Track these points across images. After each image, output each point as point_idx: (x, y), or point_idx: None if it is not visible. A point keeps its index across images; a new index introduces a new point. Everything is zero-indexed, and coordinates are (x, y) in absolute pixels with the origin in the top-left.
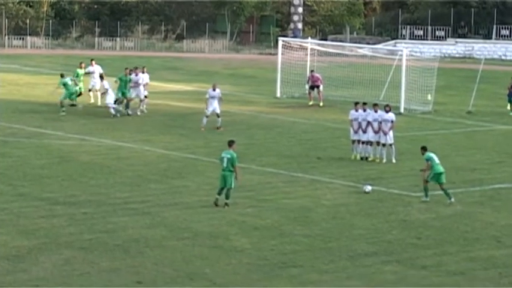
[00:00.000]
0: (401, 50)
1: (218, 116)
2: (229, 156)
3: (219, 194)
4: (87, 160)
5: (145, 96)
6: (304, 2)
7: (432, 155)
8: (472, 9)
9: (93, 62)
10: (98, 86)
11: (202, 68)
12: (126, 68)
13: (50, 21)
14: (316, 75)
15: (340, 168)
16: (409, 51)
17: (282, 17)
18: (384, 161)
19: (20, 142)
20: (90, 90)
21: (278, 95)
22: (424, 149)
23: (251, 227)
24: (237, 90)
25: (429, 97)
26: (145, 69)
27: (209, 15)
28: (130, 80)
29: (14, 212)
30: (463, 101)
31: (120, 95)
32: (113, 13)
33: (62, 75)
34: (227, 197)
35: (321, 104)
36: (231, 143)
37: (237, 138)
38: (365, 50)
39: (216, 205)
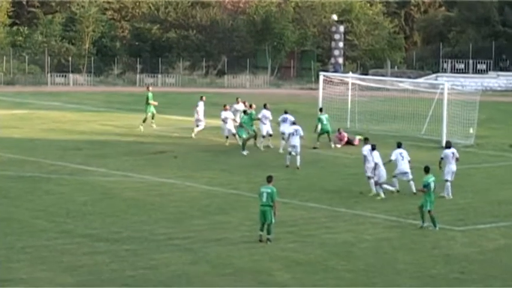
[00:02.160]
0: (443, 84)
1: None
2: (269, 190)
3: (262, 229)
4: (130, 196)
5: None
6: (344, 37)
7: (431, 181)
8: None
9: (239, 100)
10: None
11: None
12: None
13: (92, 58)
14: (344, 133)
15: (382, 202)
16: (451, 85)
17: (323, 52)
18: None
19: (63, 179)
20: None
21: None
22: (426, 170)
23: (294, 262)
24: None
25: (471, 131)
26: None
27: (250, 50)
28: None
29: (57, 249)
30: (505, 134)
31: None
32: (154, 50)
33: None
34: (269, 233)
35: (339, 146)
36: (269, 179)
37: (279, 173)
38: (406, 84)
39: (261, 241)
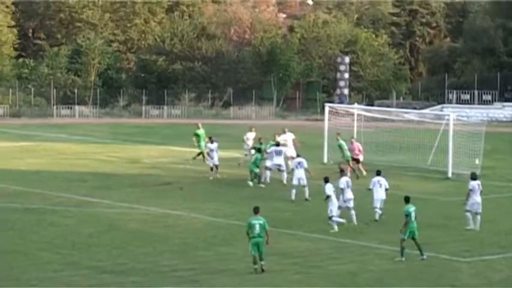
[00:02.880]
0: (448, 115)
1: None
2: (261, 222)
3: (255, 263)
4: (135, 228)
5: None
6: (350, 68)
7: (412, 210)
8: None
9: (286, 130)
10: (289, 153)
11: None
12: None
13: (98, 90)
14: (356, 143)
15: (387, 233)
16: (456, 116)
17: (328, 83)
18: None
19: (68, 211)
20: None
21: (325, 160)
22: (406, 200)
23: None
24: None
25: (477, 161)
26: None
27: (255, 82)
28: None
29: (62, 281)
30: (511, 165)
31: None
32: (159, 81)
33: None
34: (262, 259)
35: (364, 173)
36: (257, 210)
37: (283, 205)
38: (411, 115)
39: (263, 271)
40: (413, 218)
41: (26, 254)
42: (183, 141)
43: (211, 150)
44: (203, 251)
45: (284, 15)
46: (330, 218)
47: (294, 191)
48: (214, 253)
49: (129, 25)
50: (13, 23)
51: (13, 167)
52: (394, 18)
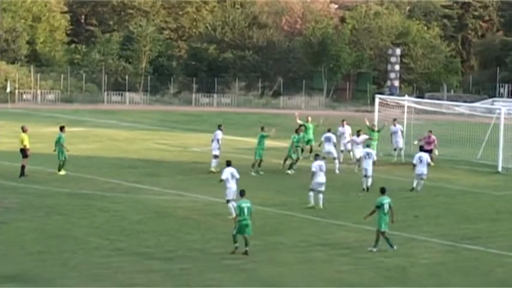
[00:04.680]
0: (500, 109)
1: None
2: (249, 205)
3: (236, 242)
4: (184, 215)
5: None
6: (401, 60)
7: (385, 202)
8: None
9: (344, 123)
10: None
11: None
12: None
13: (148, 77)
14: (433, 137)
15: (437, 226)
16: (508, 110)
17: (379, 75)
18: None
19: (117, 197)
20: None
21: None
22: (382, 191)
23: (348, 285)
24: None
25: None
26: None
27: (306, 72)
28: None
29: (111, 266)
30: None
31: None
32: (210, 69)
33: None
34: (247, 244)
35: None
36: (243, 193)
37: (332, 196)
38: (462, 108)
39: (233, 253)
40: (385, 210)
41: (75, 239)
42: (232, 130)
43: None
44: (252, 240)
45: (336, 6)
46: (227, 201)
47: (363, 180)
48: (263, 242)
49: (180, 13)
50: (66, 8)
51: None
52: (446, 10)
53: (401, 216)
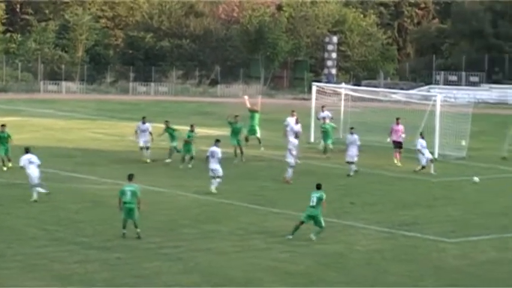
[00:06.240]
0: (435, 96)
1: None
2: (132, 189)
3: (125, 227)
4: None
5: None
6: (338, 48)
7: (313, 195)
8: (507, 55)
9: (324, 109)
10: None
11: (235, 113)
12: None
13: (85, 66)
14: (401, 126)
15: (374, 213)
16: (443, 97)
17: (316, 62)
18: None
19: (54, 187)
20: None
21: (312, 140)
22: (318, 187)
23: (285, 273)
24: (271, 135)
25: (463, 143)
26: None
27: (243, 60)
28: None
29: (48, 256)
30: (497, 146)
31: None
32: (147, 58)
33: None
34: (137, 226)
35: (399, 164)
36: (131, 177)
37: (269, 184)
38: (399, 95)
39: (139, 237)
40: (313, 203)
41: (12, 229)
42: (169, 119)
43: (143, 131)
44: (188, 229)
45: None
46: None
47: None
48: (200, 231)
49: (117, 1)
50: None
51: None
52: None
53: (338, 204)
